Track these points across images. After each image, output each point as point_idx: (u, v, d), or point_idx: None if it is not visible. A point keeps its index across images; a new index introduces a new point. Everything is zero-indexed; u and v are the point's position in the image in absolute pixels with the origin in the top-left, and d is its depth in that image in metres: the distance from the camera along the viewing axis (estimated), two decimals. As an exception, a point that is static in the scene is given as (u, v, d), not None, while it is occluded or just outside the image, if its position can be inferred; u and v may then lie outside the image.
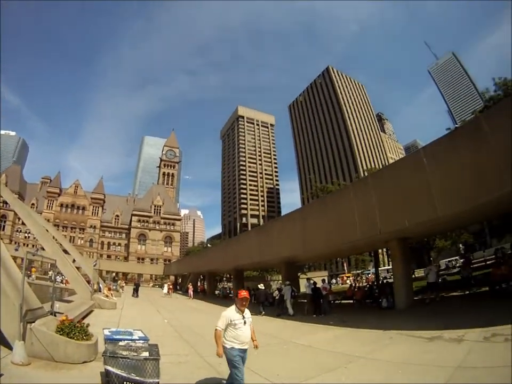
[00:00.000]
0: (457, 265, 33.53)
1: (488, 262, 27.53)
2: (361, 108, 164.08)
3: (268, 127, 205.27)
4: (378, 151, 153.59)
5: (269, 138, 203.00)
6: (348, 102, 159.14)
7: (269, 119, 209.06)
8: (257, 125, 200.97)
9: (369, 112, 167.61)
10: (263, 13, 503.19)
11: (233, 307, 5.71)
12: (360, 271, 65.40)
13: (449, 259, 40.67)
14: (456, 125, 42.18)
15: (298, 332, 13.51)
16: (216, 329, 5.46)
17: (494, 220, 36.26)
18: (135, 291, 34.95)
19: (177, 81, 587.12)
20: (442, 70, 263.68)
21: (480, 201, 10.44)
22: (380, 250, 44.79)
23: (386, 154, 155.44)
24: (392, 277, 23.13)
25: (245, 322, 5.55)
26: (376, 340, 10.22)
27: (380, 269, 49.03)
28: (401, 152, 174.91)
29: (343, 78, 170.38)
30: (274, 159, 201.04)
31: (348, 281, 56.90)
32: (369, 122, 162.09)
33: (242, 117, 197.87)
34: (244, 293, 5.69)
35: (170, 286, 43.44)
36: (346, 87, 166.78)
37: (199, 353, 9.21)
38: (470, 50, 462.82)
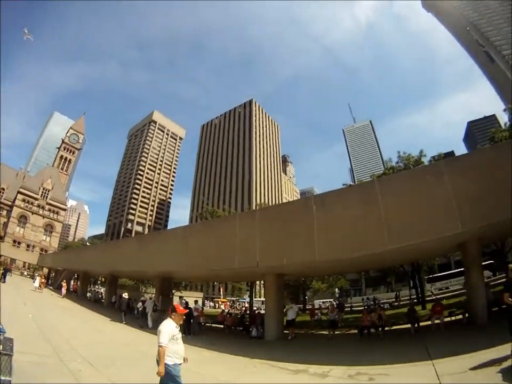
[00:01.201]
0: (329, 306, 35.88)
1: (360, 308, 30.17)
2: (270, 145, 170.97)
3: (176, 139, 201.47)
4: (275, 189, 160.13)
5: (174, 151, 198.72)
6: (259, 137, 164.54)
7: (179, 131, 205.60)
8: (167, 134, 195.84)
9: (276, 151, 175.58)
10: (211, 31, 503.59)
11: (169, 321, 5.59)
12: (235, 298, 65.90)
13: (323, 300, 43.04)
14: (351, 183, 46.23)
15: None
16: (161, 346, 5.18)
17: (371, 271, 39.84)
18: (3, 276, 30.53)
19: (107, 66, 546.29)
20: (355, 133, 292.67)
21: (356, 255, 11.13)
22: (257, 282, 45.65)
23: (281, 194, 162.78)
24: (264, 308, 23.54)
25: (181, 337, 5.55)
26: (243, 366, 10.16)
27: (255, 299, 50.12)
28: (296, 195, 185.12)
29: (262, 114, 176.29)
30: (174, 172, 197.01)
31: (222, 306, 57.02)
32: (274, 161, 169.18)
33: (155, 123, 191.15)
34: (182, 309, 5.81)
35: (43, 280, 38.65)
36: (263, 123, 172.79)
37: (60, 357, 8.69)
38: (386, 124, 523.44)
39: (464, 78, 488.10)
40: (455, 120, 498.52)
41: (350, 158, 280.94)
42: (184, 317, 5.86)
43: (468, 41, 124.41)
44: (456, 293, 30.76)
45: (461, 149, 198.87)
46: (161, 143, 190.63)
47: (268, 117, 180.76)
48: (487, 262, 37.53)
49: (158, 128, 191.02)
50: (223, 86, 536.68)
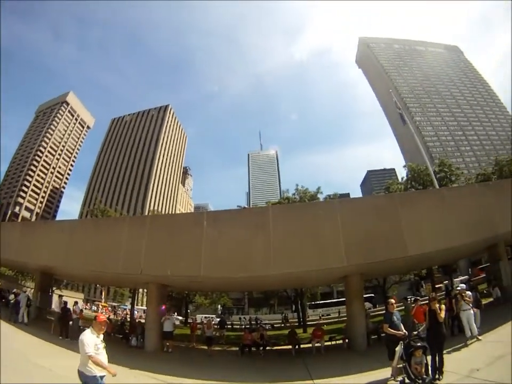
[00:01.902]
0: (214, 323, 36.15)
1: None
2: (174, 154, 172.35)
3: (84, 127, 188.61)
4: (170, 198, 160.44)
5: (78, 138, 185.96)
6: (166, 144, 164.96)
7: (89, 120, 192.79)
8: (76, 119, 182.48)
9: (179, 161, 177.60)
10: (151, 28, 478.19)
11: (89, 331, 5.41)
12: (117, 304, 62.89)
13: (206, 315, 42.83)
14: (246, 206, 48.05)
15: (40, 351, 11.66)
16: (91, 356, 5.06)
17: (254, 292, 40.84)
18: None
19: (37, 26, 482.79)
20: (260, 159, 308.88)
21: (241, 275, 11.33)
22: (141, 289, 44.17)
23: (176, 204, 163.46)
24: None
25: (103, 347, 5.38)
26: (124, 377, 9.43)
27: (137, 307, 48.15)
28: (190, 208, 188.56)
29: (174, 122, 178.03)
30: (74, 161, 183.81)
31: (103, 310, 53.64)
32: (175, 171, 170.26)
33: (68, 104, 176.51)
34: (103, 317, 5.65)
35: None
36: (173, 130, 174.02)
37: None
38: (292, 157, 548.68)
39: (375, 131, 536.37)
40: (357, 166, 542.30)
41: (249, 182, 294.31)
42: (103, 327, 5.57)
43: (386, 101, 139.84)
44: (337, 319, 33.15)
45: (356, 193, 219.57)
46: (67, 128, 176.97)
47: (179, 126, 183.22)
48: (368, 295, 41.08)
49: (69, 111, 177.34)
50: (147, 85, 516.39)
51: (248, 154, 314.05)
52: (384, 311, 10.00)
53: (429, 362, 7.50)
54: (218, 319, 29.63)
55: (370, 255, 12.32)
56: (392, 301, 9.44)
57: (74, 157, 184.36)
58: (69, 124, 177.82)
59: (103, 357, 5.29)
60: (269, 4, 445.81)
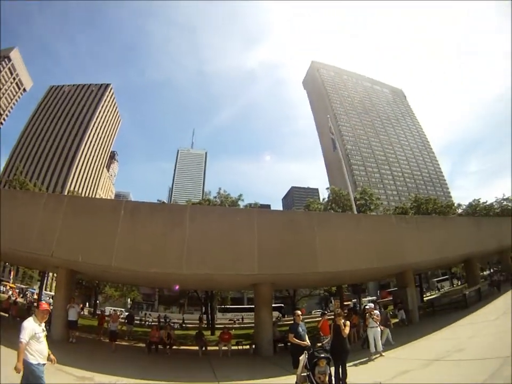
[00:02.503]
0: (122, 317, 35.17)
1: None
2: (105, 136, 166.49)
3: (20, 89, 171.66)
4: (92, 181, 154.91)
5: (11, 100, 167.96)
6: (98, 123, 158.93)
7: (27, 82, 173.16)
8: (14, 79, 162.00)
9: (108, 145, 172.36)
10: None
11: (32, 319, 5.35)
12: (25, 286, 58.88)
13: (115, 308, 41.91)
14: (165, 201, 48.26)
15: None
16: (21, 341, 4.97)
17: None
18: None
19: None
20: (189, 157, 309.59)
21: (153, 270, 11.46)
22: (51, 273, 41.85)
23: (97, 188, 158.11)
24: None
25: (45, 336, 5.38)
26: None
27: (46, 291, 45.45)
28: (111, 195, 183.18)
29: (112, 103, 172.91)
30: (1, 123, 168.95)
31: (10, 292, 49.27)
32: (102, 153, 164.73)
33: (9, 61, 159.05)
34: (45, 305, 5.58)
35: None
36: (108, 111, 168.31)
37: None
38: (222, 160, 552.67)
39: (306, 151, 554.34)
40: (282, 180, 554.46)
41: (174, 178, 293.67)
42: (46, 315, 5.51)
43: (323, 126, 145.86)
44: (246, 325, 33.65)
45: (277, 205, 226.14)
46: (3, 86, 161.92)
47: (116, 108, 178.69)
48: (278, 305, 42.30)
49: (9, 68, 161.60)
50: (96, 59, 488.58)
51: (178, 150, 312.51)
52: (291, 322, 10.33)
53: (333, 373, 7.76)
54: (126, 313, 28.86)
55: (282, 267, 12.94)
56: (299, 312, 9.77)
57: (4, 119, 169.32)
58: (6, 82, 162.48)
59: (43, 345, 5.29)
60: (236, 9, 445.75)
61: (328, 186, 52.64)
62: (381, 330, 11.58)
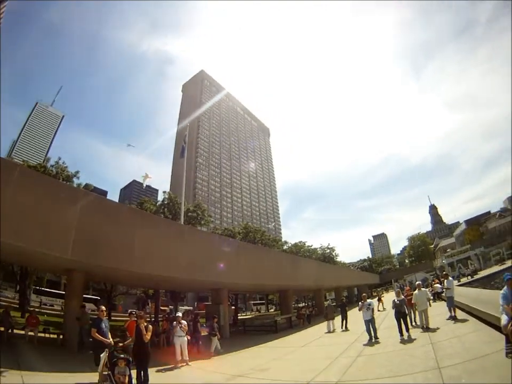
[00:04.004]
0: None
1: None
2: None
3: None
4: None
5: None
6: None
7: None
8: None
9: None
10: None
11: None
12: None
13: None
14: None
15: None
16: None
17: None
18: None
19: None
20: (44, 115, 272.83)
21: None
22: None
23: None
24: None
25: None
26: None
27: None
28: None
29: None
30: None
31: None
32: None
33: None
34: None
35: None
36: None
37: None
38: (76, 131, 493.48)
39: (158, 152, 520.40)
40: (129, 171, 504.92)
41: (21, 131, 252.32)
42: None
43: (182, 131, 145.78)
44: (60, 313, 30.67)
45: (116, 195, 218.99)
46: None
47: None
48: (94, 297, 40.31)
49: None
50: None
51: (37, 103, 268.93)
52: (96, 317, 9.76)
53: (134, 375, 7.91)
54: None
55: (99, 258, 12.63)
56: (103, 307, 9.72)
57: None
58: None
59: None
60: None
61: (168, 190, 52.34)
62: (212, 338, 13.40)
